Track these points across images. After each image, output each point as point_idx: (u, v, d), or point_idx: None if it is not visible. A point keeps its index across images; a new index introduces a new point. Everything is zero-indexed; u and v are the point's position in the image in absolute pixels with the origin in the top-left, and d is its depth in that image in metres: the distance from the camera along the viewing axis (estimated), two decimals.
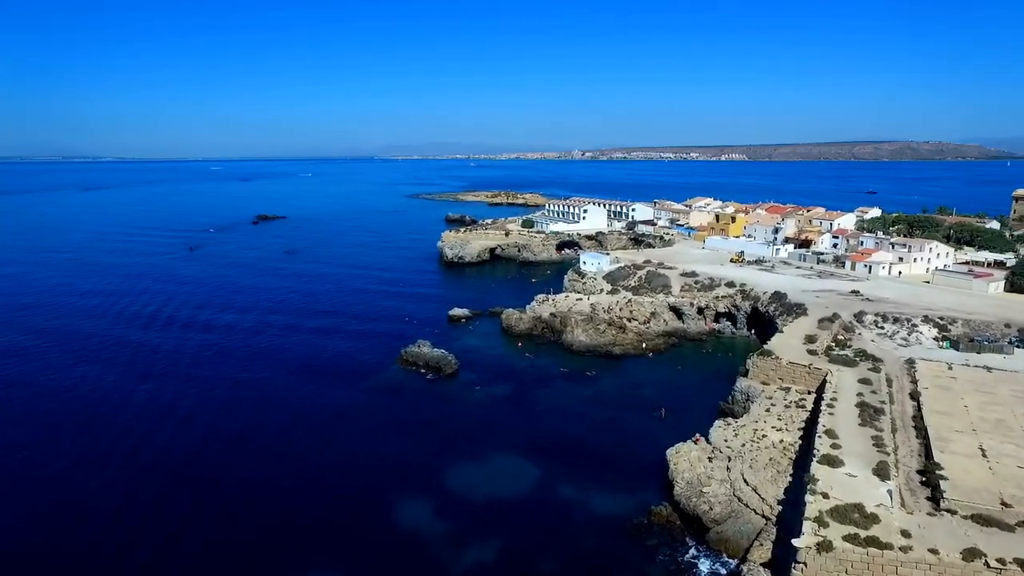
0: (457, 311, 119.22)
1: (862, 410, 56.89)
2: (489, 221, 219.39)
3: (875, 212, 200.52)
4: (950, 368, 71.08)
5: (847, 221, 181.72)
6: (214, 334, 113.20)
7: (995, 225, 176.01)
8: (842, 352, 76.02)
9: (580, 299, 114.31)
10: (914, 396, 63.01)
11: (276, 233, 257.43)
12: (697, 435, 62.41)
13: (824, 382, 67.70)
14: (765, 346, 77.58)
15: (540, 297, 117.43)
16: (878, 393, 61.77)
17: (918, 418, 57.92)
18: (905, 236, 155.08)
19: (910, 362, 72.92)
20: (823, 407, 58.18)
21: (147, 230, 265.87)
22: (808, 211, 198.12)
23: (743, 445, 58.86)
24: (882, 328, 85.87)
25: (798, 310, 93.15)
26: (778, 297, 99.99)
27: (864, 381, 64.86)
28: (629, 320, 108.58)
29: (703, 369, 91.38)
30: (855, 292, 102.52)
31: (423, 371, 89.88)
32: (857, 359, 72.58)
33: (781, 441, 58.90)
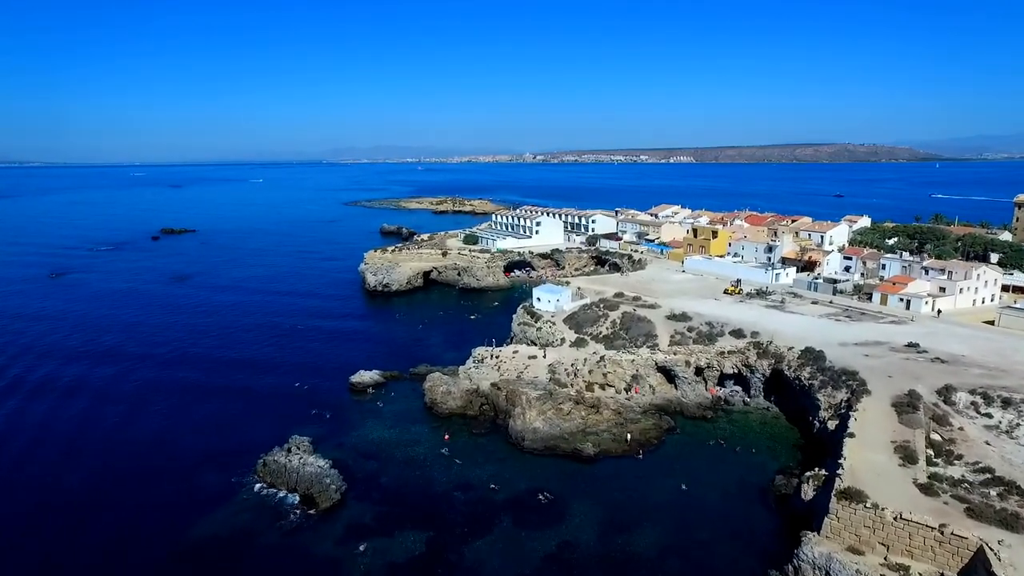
0: (364, 375, 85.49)
1: None
2: (425, 237, 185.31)
3: (864, 221, 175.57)
4: None
5: (840, 233, 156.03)
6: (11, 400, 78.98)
7: (1007, 236, 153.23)
8: (961, 477, 46.48)
9: (534, 356, 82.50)
10: None
11: (175, 251, 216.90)
12: None
13: (975, 565, 37.71)
14: (841, 479, 46.33)
15: (480, 351, 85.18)
16: None
17: None
18: (913, 253, 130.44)
19: None
20: None
21: (12, 250, 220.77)
22: (793, 221, 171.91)
23: None
24: (988, 415, 56.97)
25: (850, 382, 63.63)
26: (812, 358, 70.37)
27: None
28: (603, 387, 77.54)
29: (721, 479, 60.16)
30: (913, 346, 73.90)
31: (288, 502, 56.28)
32: (1003, 502, 43.03)
33: None
